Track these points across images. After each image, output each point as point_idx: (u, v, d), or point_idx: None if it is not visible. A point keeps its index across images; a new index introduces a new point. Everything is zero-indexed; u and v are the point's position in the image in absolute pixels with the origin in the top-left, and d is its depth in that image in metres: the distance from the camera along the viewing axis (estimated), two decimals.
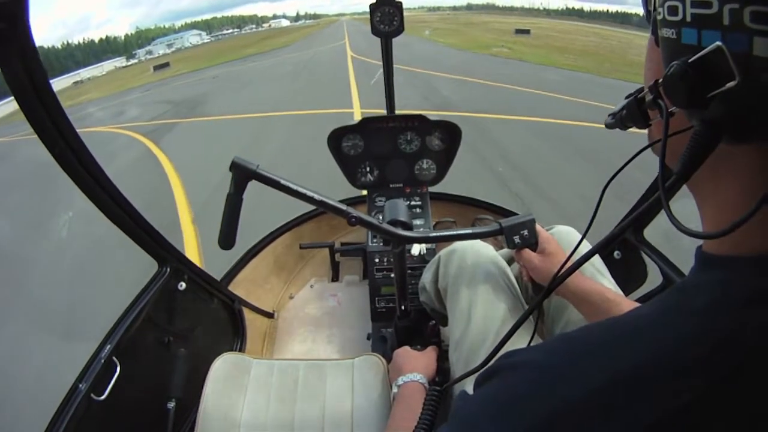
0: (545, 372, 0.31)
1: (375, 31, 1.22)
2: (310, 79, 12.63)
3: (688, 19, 0.26)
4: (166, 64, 30.23)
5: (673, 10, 0.28)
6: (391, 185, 1.58)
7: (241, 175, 0.79)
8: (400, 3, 1.19)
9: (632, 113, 0.37)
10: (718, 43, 0.24)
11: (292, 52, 24.02)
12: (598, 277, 0.87)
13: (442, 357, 0.99)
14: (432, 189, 1.60)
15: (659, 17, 0.30)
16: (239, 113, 8.41)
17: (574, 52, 16.96)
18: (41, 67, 0.67)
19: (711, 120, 0.27)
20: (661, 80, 0.30)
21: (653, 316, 0.30)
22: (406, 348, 0.96)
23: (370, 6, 1.19)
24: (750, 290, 0.27)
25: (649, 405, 0.26)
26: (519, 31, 27.11)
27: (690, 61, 0.26)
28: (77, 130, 0.77)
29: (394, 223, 0.87)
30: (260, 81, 13.90)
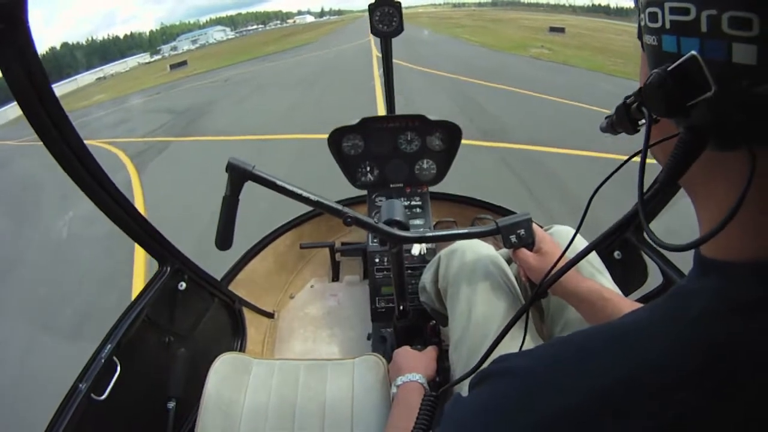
0: (535, 379, 0.31)
1: (374, 31, 1.22)
2: (329, 85, 11.06)
3: (668, 26, 0.26)
4: (183, 63, 29.64)
5: (653, 17, 0.27)
6: (391, 185, 1.58)
7: (237, 176, 0.79)
8: (399, 3, 1.19)
9: (621, 119, 0.37)
10: (693, 52, 0.24)
11: (313, 51, 22.89)
12: (597, 276, 0.87)
13: (443, 357, 0.99)
14: (432, 189, 1.60)
15: (642, 23, 0.29)
16: (240, 132, 7.20)
17: (616, 54, 14.84)
18: (41, 68, 0.67)
19: (694, 127, 0.26)
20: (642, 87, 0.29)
21: (648, 322, 0.30)
22: (406, 348, 0.96)
23: (369, 6, 1.20)
24: (747, 297, 0.26)
25: (643, 415, 0.25)
26: (553, 30, 24.95)
27: (669, 69, 0.26)
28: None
29: (391, 223, 0.87)
30: (273, 86, 12.62)
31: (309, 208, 1.71)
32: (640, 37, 0.31)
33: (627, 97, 0.37)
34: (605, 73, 10.74)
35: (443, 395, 0.65)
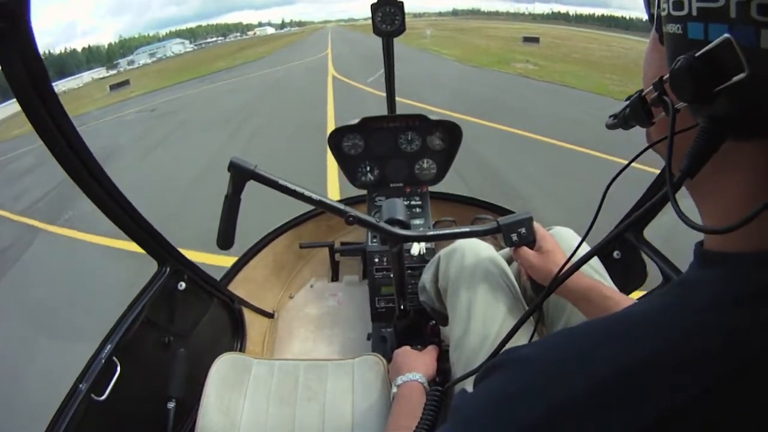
0: (543, 368, 0.31)
1: (377, 30, 1.22)
2: (267, 122, 8.27)
3: (694, 13, 0.27)
4: (125, 83, 25.15)
5: (678, 5, 0.28)
6: (391, 185, 1.58)
7: (239, 175, 0.79)
8: (402, 3, 1.19)
9: (636, 112, 0.38)
10: (727, 35, 0.24)
11: (262, 69, 19.64)
12: (596, 277, 0.87)
13: (443, 357, 0.99)
14: (432, 188, 1.60)
15: (664, 13, 0.30)
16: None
17: (606, 69, 13.19)
18: (42, 66, 0.67)
19: (717, 116, 0.27)
20: (666, 76, 0.30)
21: (653, 312, 0.30)
22: (406, 348, 0.96)
23: (372, 6, 1.19)
24: (753, 286, 0.27)
25: (650, 402, 0.25)
26: (527, 40, 22.75)
27: (697, 54, 0.26)
28: None
29: (392, 222, 0.87)
30: (197, 123, 9.56)
31: (309, 208, 1.72)
32: (658, 28, 0.32)
33: (639, 91, 0.37)
34: (612, 96, 8.59)
35: (449, 390, 0.65)
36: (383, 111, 1.53)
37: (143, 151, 7.60)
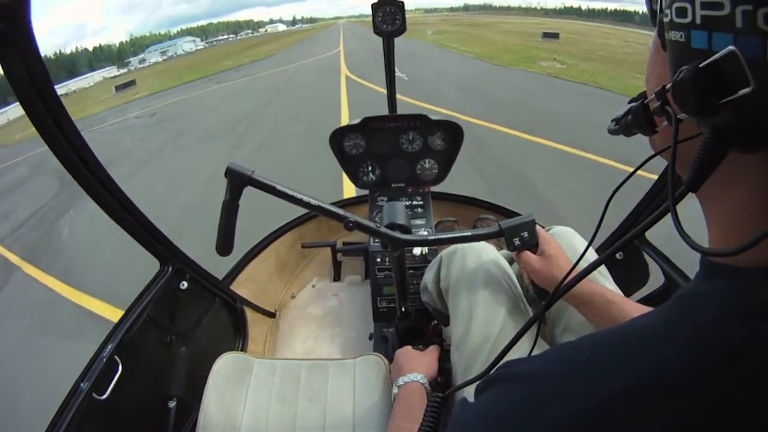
0: (544, 384, 0.31)
1: (377, 30, 1.22)
2: (270, 134, 7.28)
3: (698, 21, 0.25)
4: (131, 83, 25.01)
5: (681, 12, 0.27)
6: (393, 185, 1.58)
7: (237, 181, 0.78)
8: (402, 2, 1.19)
9: (638, 119, 0.36)
10: (731, 47, 0.23)
11: (270, 68, 18.82)
12: (600, 279, 0.87)
13: (444, 357, 0.99)
14: (434, 189, 1.60)
15: (666, 19, 0.28)
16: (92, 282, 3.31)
17: (636, 68, 11.88)
18: (43, 67, 0.67)
19: (721, 128, 0.26)
20: (669, 86, 0.28)
21: (658, 326, 0.30)
22: (408, 348, 0.96)
23: (372, 5, 1.19)
24: (758, 302, 0.26)
25: (654, 419, 0.25)
26: (547, 35, 22.00)
27: (701, 66, 0.25)
28: None
29: (393, 226, 0.87)
30: (194, 134, 8.52)
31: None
32: (660, 34, 0.31)
33: (641, 97, 0.36)
34: None
35: (450, 396, 0.65)
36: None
37: (135, 167, 6.52)
